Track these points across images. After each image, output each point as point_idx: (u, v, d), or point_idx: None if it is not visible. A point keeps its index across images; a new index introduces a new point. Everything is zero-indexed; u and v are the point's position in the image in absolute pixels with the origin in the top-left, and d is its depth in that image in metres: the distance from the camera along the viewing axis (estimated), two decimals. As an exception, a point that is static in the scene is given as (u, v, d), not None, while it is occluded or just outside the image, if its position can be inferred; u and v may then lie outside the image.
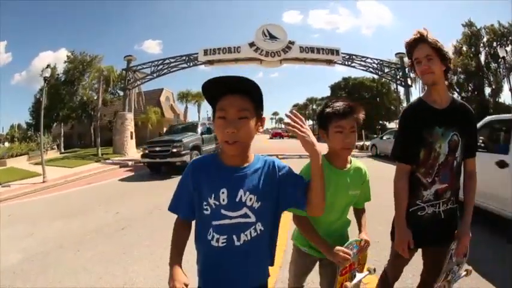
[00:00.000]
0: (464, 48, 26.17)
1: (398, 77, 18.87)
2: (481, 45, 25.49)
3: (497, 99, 25.09)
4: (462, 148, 1.49)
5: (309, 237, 1.41)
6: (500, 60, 21.74)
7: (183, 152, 9.44)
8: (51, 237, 4.17)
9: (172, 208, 1.13)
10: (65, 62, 26.30)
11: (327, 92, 42.16)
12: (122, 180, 9.36)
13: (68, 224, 4.81)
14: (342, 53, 17.78)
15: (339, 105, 1.36)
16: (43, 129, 12.23)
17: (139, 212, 5.27)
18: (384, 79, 26.58)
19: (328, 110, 1.37)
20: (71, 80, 26.05)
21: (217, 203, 1.01)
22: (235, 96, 0.97)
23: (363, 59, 18.50)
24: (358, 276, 1.38)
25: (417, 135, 1.46)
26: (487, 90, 26.13)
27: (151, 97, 29.69)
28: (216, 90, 0.99)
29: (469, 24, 26.04)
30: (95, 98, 25.14)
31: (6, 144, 25.73)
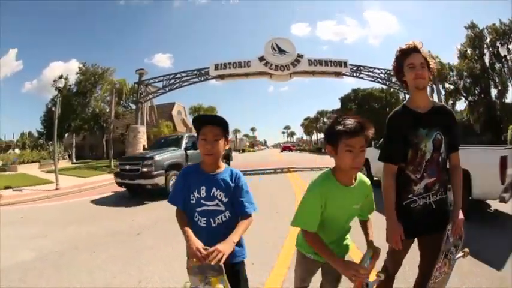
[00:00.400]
0: (468, 51, 25.97)
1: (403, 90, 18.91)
2: (485, 46, 25.22)
3: (503, 100, 24.48)
4: (446, 145, 1.66)
5: (320, 252, 1.43)
6: (503, 59, 21.41)
7: (155, 173, 7.58)
8: (65, 239, 4.30)
9: (171, 201, 1.60)
10: (77, 73, 27.10)
11: (337, 105, 42.23)
12: (93, 202, 7.75)
13: (83, 228, 4.95)
14: (350, 65, 17.86)
15: (350, 123, 1.34)
16: (53, 139, 12.63)
17: (153, 220, 5.38)
18: (392, 89, 26.59)
19: (339, 127, 1.35)
20: (83, 92, 26.73)
21: (198, 195, 1.54)
22: (212, 126, 1.53)
23: (371, 70, 18.56)
24: (372, 284, 1.45)
25: (403, 138, 1.62)
26: (494, 92, 25.60)
27: (163, 111, 30.23)
28: (202, 122, 1.56)
29: (472, 26, 25.88)
30: (107, 110, 25.73)
31: (17, 150, 26.30)
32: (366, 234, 1.57)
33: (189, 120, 39.81)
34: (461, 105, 28.67)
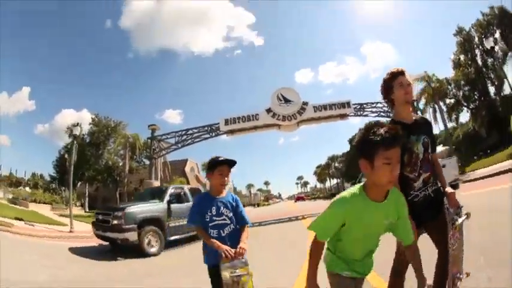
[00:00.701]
0: (462, 58, 25.82)
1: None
2: (475, 46, 25.03)
3: (501, 93, 23.62)
4: (431, 146, 2.03)
5: (310, 264, 1.42)
6: (493, 52, 21.27)
7: (126, 227, 6.67)
8: (78, 273, 4.68)
9: (191, 222, 2.24)
10: (90, 124, 28.04)
11: (347, 147, 43.31)
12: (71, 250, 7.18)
13: (100, 267, 5.32)
14: (353, 104, 18.27)
15: (387, 132, 1.25)
16: (68, 185, 12.96)
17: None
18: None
19: (375, 138, 1.25)
20: (96, 143, 27.44)
21: (211, 214, 2.15)
22: (227, 166, 2.25)
23: (374, 105, 18.75)
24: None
25: None
26: (492, 90, 24.96)
27: (176, 167, 30.15)
28: (220, 162, 2.23)
29: (459, 31, 25.82)
30: (120, 164, 26.28)
31: (27, 189, 26.47)
32: (414, 266, 1.47)
33: (203, 176, 40.19)
34: (464, 116, 27.66)
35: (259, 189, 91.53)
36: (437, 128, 27.26)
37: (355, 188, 1.41)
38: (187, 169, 34.66)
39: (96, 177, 28.24)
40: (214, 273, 2.07)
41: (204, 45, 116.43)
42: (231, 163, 2.29)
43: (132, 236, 6.70)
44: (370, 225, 1.39)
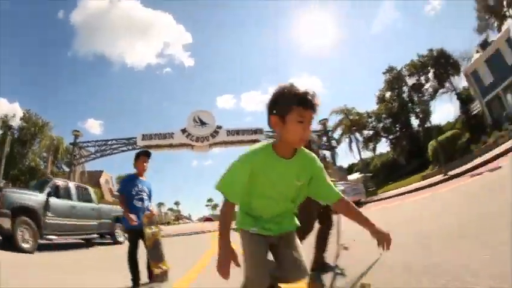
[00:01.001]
0: (387, 95, 27.64)
1: (322, 142, 20.66)
2: (403, 84, 26.83)
3: (425, 125, 25.25)
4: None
5: (220, 228, 1.34)
6: (420, 88, 23.42)
7: (1, 211, 6.01)
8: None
9: (120, 191, 3.30)
10: (21, 119, 27.29)
11: None
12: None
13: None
14: (266, 131, 19.33)
15: (304, 92, 1.24)
16: None
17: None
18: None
19: (294, 95, 1.23)
20: (23, 140, 26.89)
21: (137, 189, 3.23)
22: (146, 156, 3.34)
23: None
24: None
25: None
26: (416, 122, 27.26)
27: (91, 178, 28.64)
28: (142, 154, 3.36)
29: (390, 70, 27.56)
30: (42, 167, 26.07)
31: None
32: (358, 221, 1.38)
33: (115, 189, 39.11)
34: (381, 146, 29.82)
35: (170, 209, 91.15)
36: (353, 157, 29.43)
37: (262, 143, 1.39)
38: (102, 180, 34.03)
39: (20, 177, 27.58)
40: (131, 233, 3.16)
41: (140, 58, 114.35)
42: (149, 154, 3.34)
43: (6, 223, 6.03)
44: (278, 183, 1.35)
